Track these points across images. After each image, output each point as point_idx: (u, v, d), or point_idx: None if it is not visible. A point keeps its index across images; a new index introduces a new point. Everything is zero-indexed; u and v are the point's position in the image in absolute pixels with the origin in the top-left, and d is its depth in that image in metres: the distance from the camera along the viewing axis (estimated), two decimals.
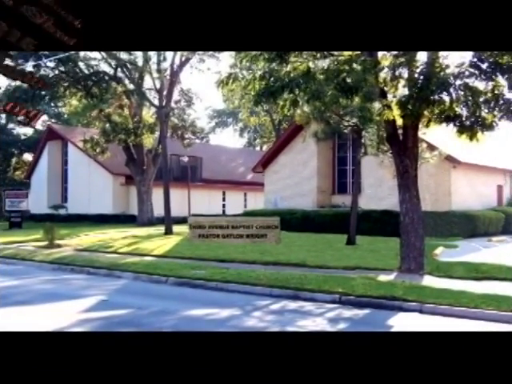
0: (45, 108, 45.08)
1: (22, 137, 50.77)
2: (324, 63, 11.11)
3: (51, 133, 39.08)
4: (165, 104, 27.03)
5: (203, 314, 8.41)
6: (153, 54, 26.51)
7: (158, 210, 28.13)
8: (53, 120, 49.26)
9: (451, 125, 11.37)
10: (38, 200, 37.32)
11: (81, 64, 28.20)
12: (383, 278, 10.97)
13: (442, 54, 10.70)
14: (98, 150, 29.89)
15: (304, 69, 10.83)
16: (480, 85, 10.71)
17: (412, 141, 11.93)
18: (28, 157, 48.82)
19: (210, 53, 27.24)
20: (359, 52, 10.70)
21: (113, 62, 27.58)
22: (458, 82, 10.54)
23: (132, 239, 20.72)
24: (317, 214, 23.47)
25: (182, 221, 26.28)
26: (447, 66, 10.62)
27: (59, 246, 18.87)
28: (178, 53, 26.44)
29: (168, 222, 23.59)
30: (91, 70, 28.37)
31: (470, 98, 10.68)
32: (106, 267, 13.49)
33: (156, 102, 27.57)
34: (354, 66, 10.62)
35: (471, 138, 11.29)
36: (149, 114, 31.66)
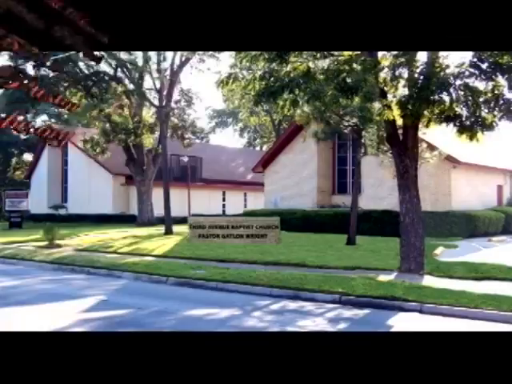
0: (45, 108, 45.10)
1: (22, 137, 50.73)
2: (324, 63, 11.12)
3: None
4: (165, 104, 27.01)
5: (203, 314, 8.41)
6: (153, 54, 26.53)
7: (158, 210, 28.13)
8: (53, 120, 49.26)
9: (451, 125, 11.35)
10: (38, 200, 37.34)
11: (81, 64, 28.19)
12: (383, 278, 10.97)
13: (441, 53, 10.70)
14: (97, 150, 29.88)
15: (304, 69, 10.83)
16: (480, 85, 10.71)
17: (412, 141, 11.92)
18: (28, 157, 48.83)
19: (210, 53, 27.18)
20: (359, 52, 10.71)
21: (113, 62, 27.56)
22: (458, 82, 10.53)
23: (132, 239, 20.73)
24: (317, 213, 23.49)
25: (182, 221, 26.32)
26: (447, 66, 10.61)
27: (59, 245, 18.87)
28: (178, 53, 26.42)
29: (168, 221, 23.61)
30: (91, 70, 28.35)
31: (470, 98, 10.67)
32: (106, 267, 13.48)
33: (156, 102, 27.55)
34: (354, 66, 10.63)
35: (471, 138, 11.28)
36: (149, 114, 31.64)
